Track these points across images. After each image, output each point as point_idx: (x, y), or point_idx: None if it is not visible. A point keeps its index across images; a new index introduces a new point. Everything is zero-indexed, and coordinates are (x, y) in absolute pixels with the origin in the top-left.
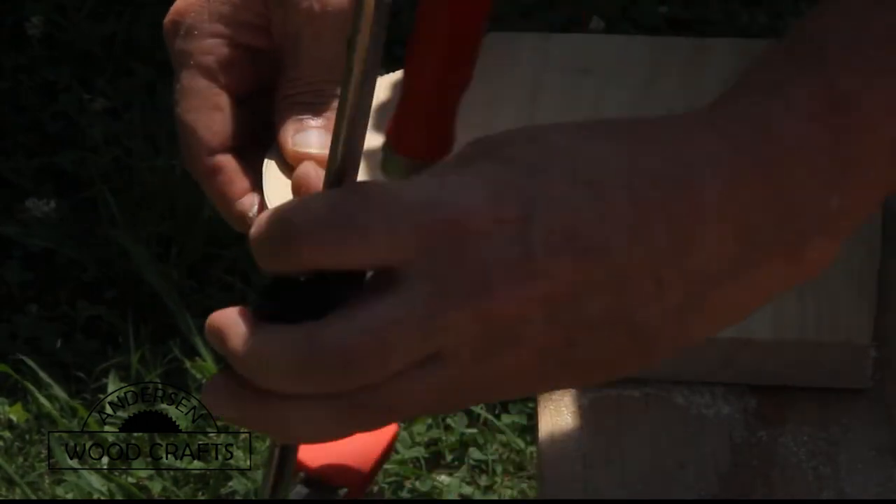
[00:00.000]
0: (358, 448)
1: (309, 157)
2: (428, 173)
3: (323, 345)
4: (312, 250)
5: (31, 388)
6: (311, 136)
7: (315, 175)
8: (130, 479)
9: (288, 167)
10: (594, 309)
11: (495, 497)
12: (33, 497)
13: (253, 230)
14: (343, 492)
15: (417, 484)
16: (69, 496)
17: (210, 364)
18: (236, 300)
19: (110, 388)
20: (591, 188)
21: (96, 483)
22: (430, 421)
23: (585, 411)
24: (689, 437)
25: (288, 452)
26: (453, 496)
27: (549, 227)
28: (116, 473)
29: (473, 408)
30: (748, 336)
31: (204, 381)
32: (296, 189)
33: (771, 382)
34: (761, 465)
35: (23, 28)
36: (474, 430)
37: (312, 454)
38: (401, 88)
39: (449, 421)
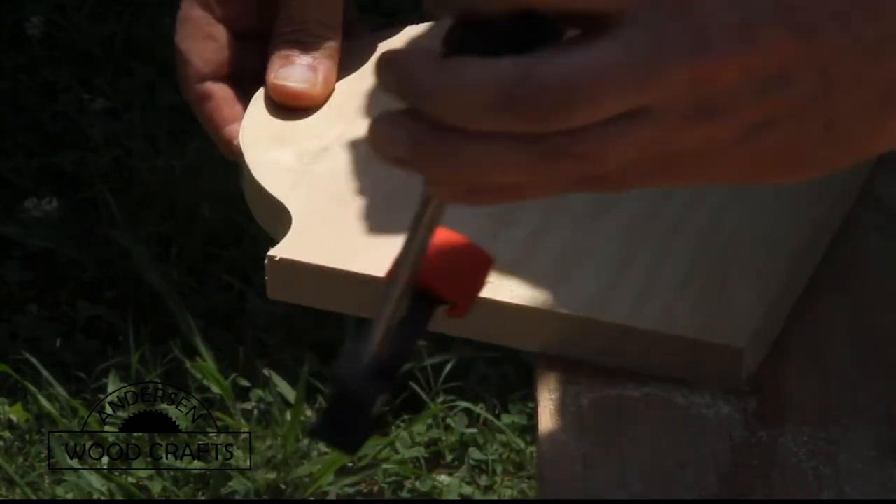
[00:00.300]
0: (465, 266)
1: (287, 90)
2: None
3: (534, 78)
4: None
5: (31, 388)
6: (293, 71)
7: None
8: (130, 479)
9: (272, 98)
10: (800, 90)
11: (495, 497)
12: (33, 497)
13: None
14: (444, 307)
15: (417, 484)
16: (69, 496)
17: (210, 364)
18: (236, 300)
19: (110, 388)
20: None
21: (96, 483)
22: (430, 421)
23: (585, 411)
24: (689, 437)
25: (441, 213)
26: (453, 496)
27: None
28: (116, 473)
29: (473, 408)
30: (632, 325)
31: (204, 381)
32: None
33: (656, 373)
34: (761, 465)
35: (23, 28)
36: (474, 430)
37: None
38: None
39: (449, 421)
